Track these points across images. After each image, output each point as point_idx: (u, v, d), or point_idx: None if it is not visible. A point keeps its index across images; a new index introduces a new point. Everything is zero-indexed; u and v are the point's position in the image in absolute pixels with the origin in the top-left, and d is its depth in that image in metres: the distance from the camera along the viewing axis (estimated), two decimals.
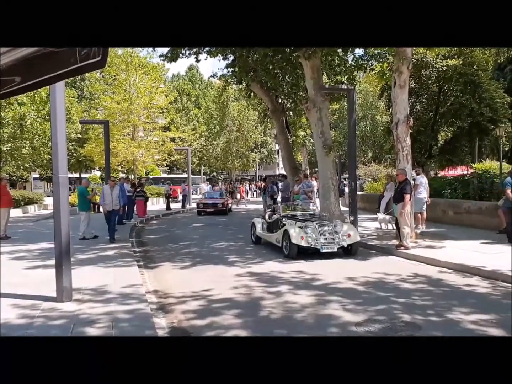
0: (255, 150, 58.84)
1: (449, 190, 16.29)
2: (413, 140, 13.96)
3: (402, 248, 10.17)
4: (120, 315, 5.63)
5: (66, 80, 21.75)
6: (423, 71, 20.20)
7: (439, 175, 24.45)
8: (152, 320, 5.47)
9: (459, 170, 26.81)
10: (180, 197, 29.66)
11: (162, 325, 5.56)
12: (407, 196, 10.18)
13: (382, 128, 38.91)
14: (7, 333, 4.91)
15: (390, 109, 22.74)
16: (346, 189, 25.99)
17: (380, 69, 17.39)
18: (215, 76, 22.19)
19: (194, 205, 29.49)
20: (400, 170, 10.85)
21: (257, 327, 5.41)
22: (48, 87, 7.64)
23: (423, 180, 12.45)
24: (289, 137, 21.46)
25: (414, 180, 12.00)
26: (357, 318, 5.58)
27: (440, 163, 23.28)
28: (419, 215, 12.05)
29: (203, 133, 48.72)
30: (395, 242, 10.87)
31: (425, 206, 12.28)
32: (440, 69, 19.82)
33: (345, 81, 18.20)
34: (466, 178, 17.31)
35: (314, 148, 42.76)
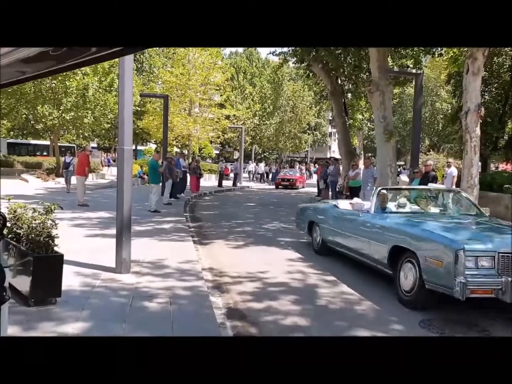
0: (308, 131, 58.24)
1: None
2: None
3: None
4: (178, 291, 5.66)
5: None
6: (495, 58, 19.10)
7: (499, 169, 23.33)
8: (210, 299, 5.47)
9: None
10: (232, 175, 29.93)
11: (218, 305, 5.55)
12: None
13: (441, 116, 37.43)
14: (70, 300, 5.04)
15: (456, 97, 21.78)
16: (401, 176, 25.31)
17: (452, 54, 16.55)
18: (273, 53, 21.81)
19: (244, 183, 29.69)
20: (428, 161, 11.11)
21: (315, 316, 5.33)
22: (117, 59, 7.70)
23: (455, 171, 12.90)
24: (346, 120, 20.96)
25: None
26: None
27: (505, 156, 22.17)
28: None
29: (257, 112, 48.45)
30: None
31: None
32: None
33: (410, 65, 17.52)
34: None
35: (370, 132, 41.81)
